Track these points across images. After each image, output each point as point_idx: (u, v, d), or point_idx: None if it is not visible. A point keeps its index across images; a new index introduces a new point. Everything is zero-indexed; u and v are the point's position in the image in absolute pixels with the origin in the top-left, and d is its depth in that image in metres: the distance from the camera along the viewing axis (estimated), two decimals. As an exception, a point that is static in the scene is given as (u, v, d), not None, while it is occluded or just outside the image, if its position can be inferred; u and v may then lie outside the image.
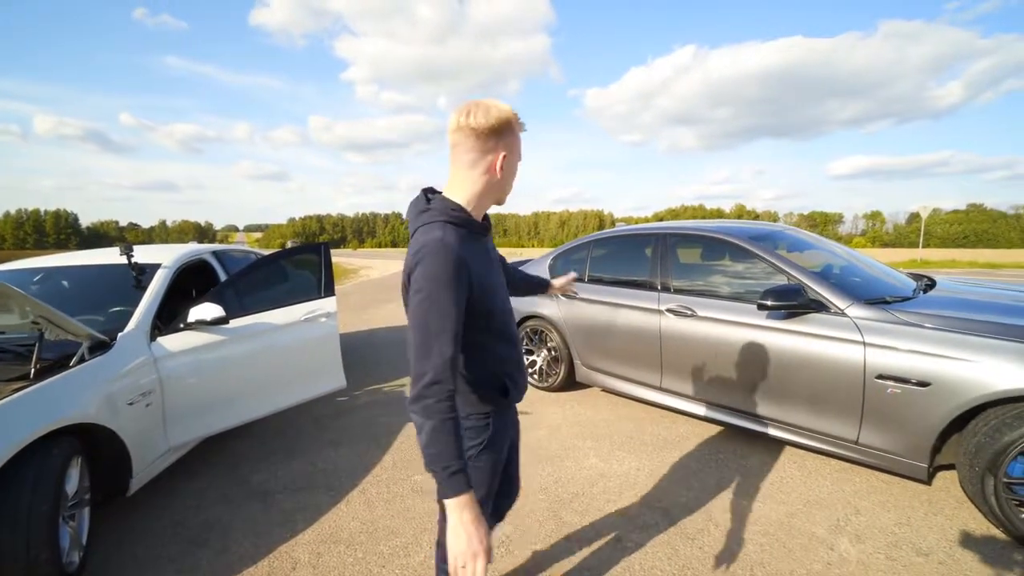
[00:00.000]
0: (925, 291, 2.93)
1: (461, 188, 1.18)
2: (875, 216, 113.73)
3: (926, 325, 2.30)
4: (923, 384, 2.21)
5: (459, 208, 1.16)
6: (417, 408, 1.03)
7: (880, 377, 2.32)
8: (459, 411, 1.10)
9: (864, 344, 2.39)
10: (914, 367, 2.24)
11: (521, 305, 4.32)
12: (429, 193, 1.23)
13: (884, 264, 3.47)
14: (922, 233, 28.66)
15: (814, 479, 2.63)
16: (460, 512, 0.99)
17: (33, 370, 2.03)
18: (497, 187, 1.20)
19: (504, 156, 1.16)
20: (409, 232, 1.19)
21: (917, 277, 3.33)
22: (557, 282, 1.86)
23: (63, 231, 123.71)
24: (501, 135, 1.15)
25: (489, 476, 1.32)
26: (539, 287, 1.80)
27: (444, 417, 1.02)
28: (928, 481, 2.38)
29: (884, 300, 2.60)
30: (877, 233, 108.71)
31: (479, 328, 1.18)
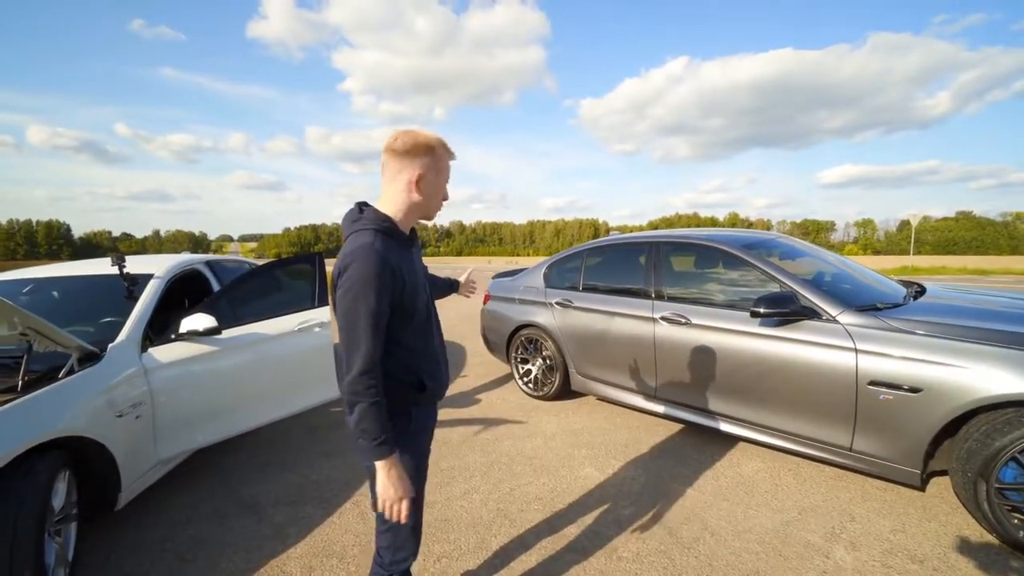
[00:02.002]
0: (915, 298, 2.96)
1: (389, 202, 1.34)
2: (866, 224, 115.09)
3: (917, 331, 2.32)
4: (915, 390, 2.22)
5: (387, 219, 1.31)
6: (350, 393, 1.22)
7: (872, 383, 2.34)
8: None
9: (856, 351, 2.40)
10: (906, 373, 2.25)
11: (516, 314, 4.32)
12: (363, 206, 1.36)
13: (875, 271, 3.51)
14: (912, 240, 29.01)
15: (809, 486, 2.63)
16: (387, 470, 1.25)
17: (21, 382, 2.00)
18: (419, 204, 1.34)
19: (420, 175, 1.30)
20: (343, 239, 1.34)
21: (907, 284, 3.37)
22: (462, 278, 2.09)
23: (55, 241, 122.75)
24: (419, 157, 1.30)
25: (414, 470, 1.42)
26: (450, 288, 2.01)
27: (373, 400, 1.22)
28: (922, 487, 2.39)
29: (875, 307, 2.62)
30: (868, 240, 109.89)
31: (402, 326, 1.33)
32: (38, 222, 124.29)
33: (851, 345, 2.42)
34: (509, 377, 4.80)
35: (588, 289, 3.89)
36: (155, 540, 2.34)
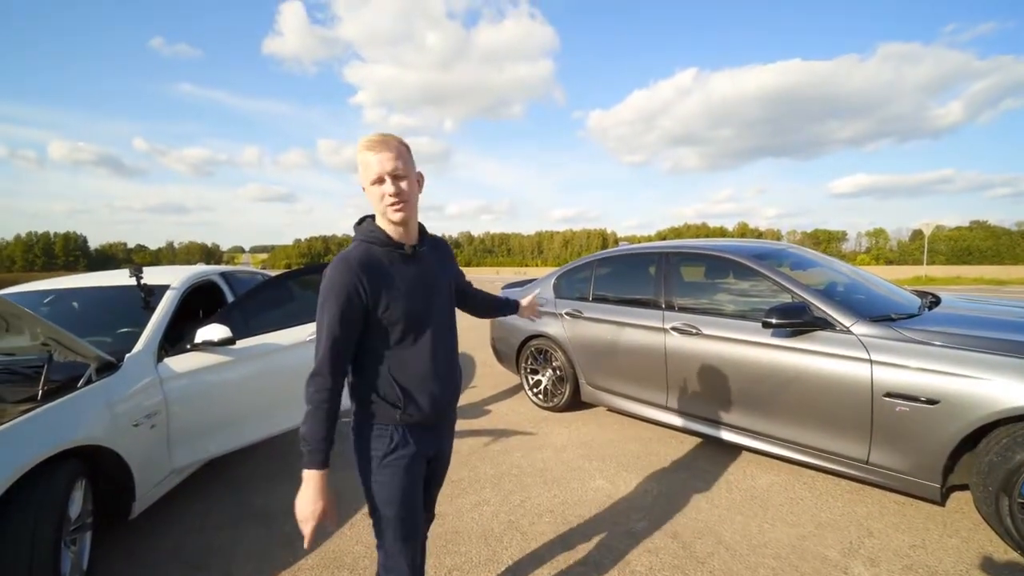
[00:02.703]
0: (930, 308, 2.92)
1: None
2: (878, 233, 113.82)
3: (934, 342, 2.29)
4: (932, 402, 2.18)
5: (376, 229, 1.31)
6: (304, 393, 1.24)
7: (888, 395, 2.30)
8: (363, 416, 1.34)
9: (871, 362, 2.37)
10: (922, 385, 2.22)
11: (526, 325, 4.32)
12: (363, 218, 1.38)
13: (888, 281, 3.47)
14: (926, 250, 28.65)
15: (825, 500, 2.58)
16: (306, 483, 1.22)
17: (41, 391, 2.04)
18: (377, 211, 1.31)
19: (363, 188, 1.29)
20: None
21: (922, 294, 3.33)
22: (524, 301, 1.96)
23: (72, 253, 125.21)
24: (358, 168, 1.28)
25: (395, 492, 1.33)
26: (507, 308, 1.90)
27: (317, 404, 1.22)
28: (942, 502, 2.34)
29: (889, 317, 2.59)
30: (881, 250, 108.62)
31: (383, 339, 1.30)
32: (56, 234, 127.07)
33: (866, 356, 2.39)
34: (519, 388, 4.79)
35: (598, 299, 3.89)
36: (168, 548, 2.36)
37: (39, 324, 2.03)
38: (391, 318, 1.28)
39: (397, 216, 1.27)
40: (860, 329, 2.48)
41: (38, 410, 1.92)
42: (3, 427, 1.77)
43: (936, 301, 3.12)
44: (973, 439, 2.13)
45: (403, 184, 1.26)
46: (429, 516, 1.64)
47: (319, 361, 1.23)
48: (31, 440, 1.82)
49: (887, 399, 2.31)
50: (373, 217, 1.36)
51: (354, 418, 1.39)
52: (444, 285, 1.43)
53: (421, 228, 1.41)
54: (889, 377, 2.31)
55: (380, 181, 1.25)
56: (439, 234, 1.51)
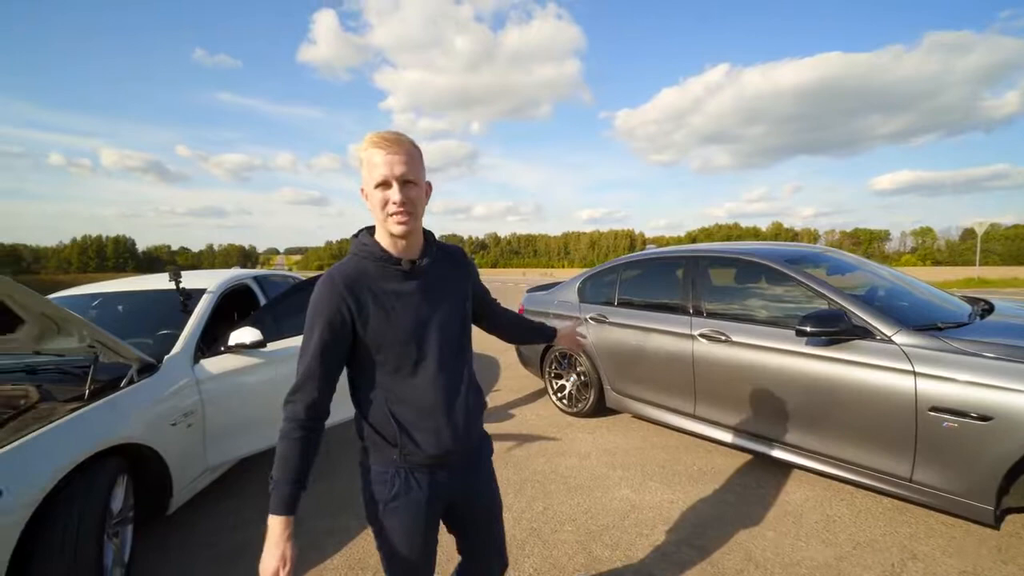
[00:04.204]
0: (982, 316, 2.74)
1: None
2: (925, 232, 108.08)
3: (986, 354, 2.14)
4: (984, 418, 2.04)
5: (371, 243, 1.16)
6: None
7: (934, 409, 2.17)
8: (363, 455, 1.21)
9: (914, 373, 2.24)
10: (973, 399, 2.08)
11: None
12: (362, 231, 1.23)
13: (936, 286, 3.28)
14: (978, 250, 26.97)
15: (864, 519, 2.45)
16: (270, 529, 1.07)
17: (88, 391, 2.15)
18: (376, 219, 1.14)
19: (362, 190, 1.14)
20: None
21: (973, 301, 3.13)
22: (564, 331, 1.69)
23: (121, 255, 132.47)
24: (360, 169, 1.12)
25: (401, 542, 1.18)
26: (541, 335, 1.64)
27: (286, 436, 1.10)
28: (996, 525, 2.18)
29: (936, 326, 2.44)
30: (928, 250, 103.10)
31: (373, 365, 1.15)
32: (107, 237, 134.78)
33: (909, 368, 2.26)
34: (543, 392, 4.76)
35: (623, 304, 3.83)
36: (202, 544, 2.45)
37: (86, 327, 2.15)
38: (382, 343, 1.13)
39: (399, 229, 1.10)
40: (903, 338, 2.35)
41: (85, 409, 2.03)
42: (54, 424, 1.88)
43: (989, 308, 2.92)
44: (1031, 459, 1.98)
45: (411, 192, 1.10)
46: (502, 562, 1.43)
47: (293, 386, 1.11)
48: (78, 438, 1.93)
49: (933, 414, 2.17)
50: (372, 229, 1.20)
51: (359, 455, 1.26)
52: (452, 304, 1.23)
53: (428, 239, 1.23)
54: (935, 390, 2.18)
55: (386, 185, 1.08)
56: (464, 236, 1.36)
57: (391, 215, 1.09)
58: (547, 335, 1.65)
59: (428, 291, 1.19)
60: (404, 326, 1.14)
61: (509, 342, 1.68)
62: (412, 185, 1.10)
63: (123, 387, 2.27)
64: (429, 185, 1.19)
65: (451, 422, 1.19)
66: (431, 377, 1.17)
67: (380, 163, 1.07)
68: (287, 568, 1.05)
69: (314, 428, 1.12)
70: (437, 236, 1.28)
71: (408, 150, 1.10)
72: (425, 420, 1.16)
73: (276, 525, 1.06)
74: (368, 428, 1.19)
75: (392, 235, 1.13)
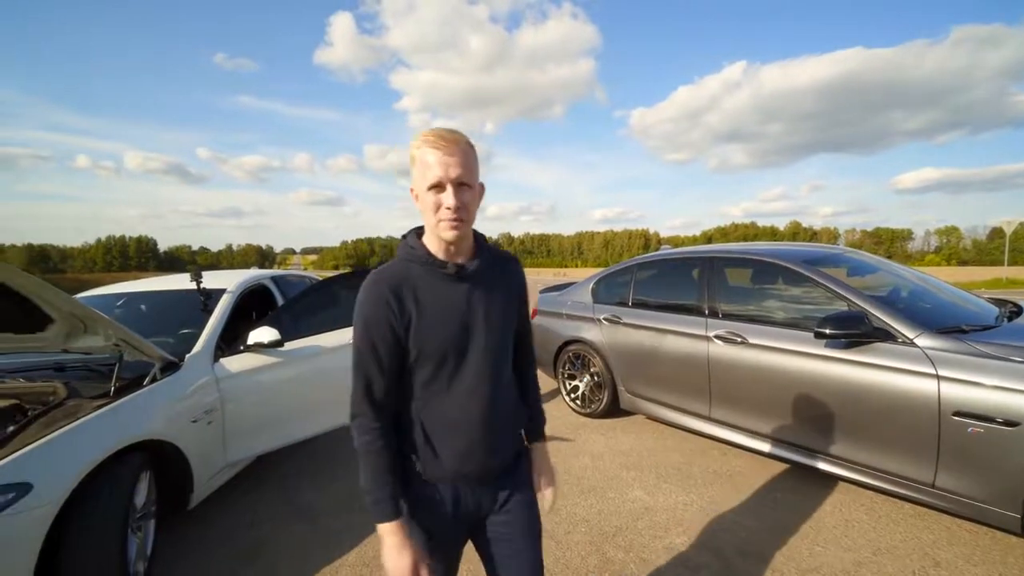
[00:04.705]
0: (1010, 319, 2.66)
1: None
2: (950, 231, 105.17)
3: (1013, 358, 2.08)
4: (1012, 424, 1.98)
5: (418, 247, 1.09)
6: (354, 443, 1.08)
7: (958, 414, 2.11)
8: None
9: (938, 377, 2.19)
10: (1000, 404, 2.02)
11: (564, 330, 4.29)
12: (412, 231, 1.16)
13: (961, 288, 3.19)
14: (1007, 249, 26.13)
15: (885, 525, 2.40)
16: (384, 539, 1.04)
17: (113, 388, 2.22)
18: (426, 221, 1.08)
19: (412, 189, 1.08)
20: None
21: (1000, 302, 3.03)
22: (544, 485, 1.32)
23: (144, 255, 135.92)
24: (411, 167, 1.06)
25: (425, 552, 1.10)
26: (528, 426, 1.33)
27: (366, 449, 1.06)
28: (1023, 533, 2.12)
29: (960, 329, 2.38)
30: (953, 249, 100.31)
31: (414, 370, 1.09)
32: (130, 238, 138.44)
33: (932, 371, 2.21)
34: (556, 392, 4.76)
35: (638, 305, 3.80)
36: (221, 539, 2.50)
37: (111, 326, 2.21)
38: (421, 349, 1.07)
39: (451, 234, 1.03)
40: (925, 341, 2.30)
41: (111, 405, 2.10)
42: (81, 421, 1.94)
43: (1017, 311, 2.83)
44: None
45: (466, 196, 1.03)
46: None
47: (354, 400, 1.07)
48: (105, 434, 1.99)
49: (957, 419, 2.12)
50: (420, 230, 1.14)
51: None
52: (498, 313, 1.14)
53: (479, 242, 1.15)
54: (959, 395, 2.12)
55: (439, 188, 1.01)
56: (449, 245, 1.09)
57: (443, 220, 1.02)
58: (531, 433, 1.34)
59: (474, 297, 1.11)
60: (446, 333, 1.07)
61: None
62: (466, 188, 1.04)
63: (147, 385, 2.33)
64: (482, 186, 1.12)
65: (486, 438, 1.11)
66: (469, 389, 1.10)
67: (434, 164, 1.01)
68: (419, 566, 1.05)
69: (389, 436, 1.08)
70: None
71: (464, 150, 1.03)
72: (452, 435, 1.09)
73: (391, 531, 1.04)
74: (398, 437, 1.13)
75: (444, 240, 1.06)
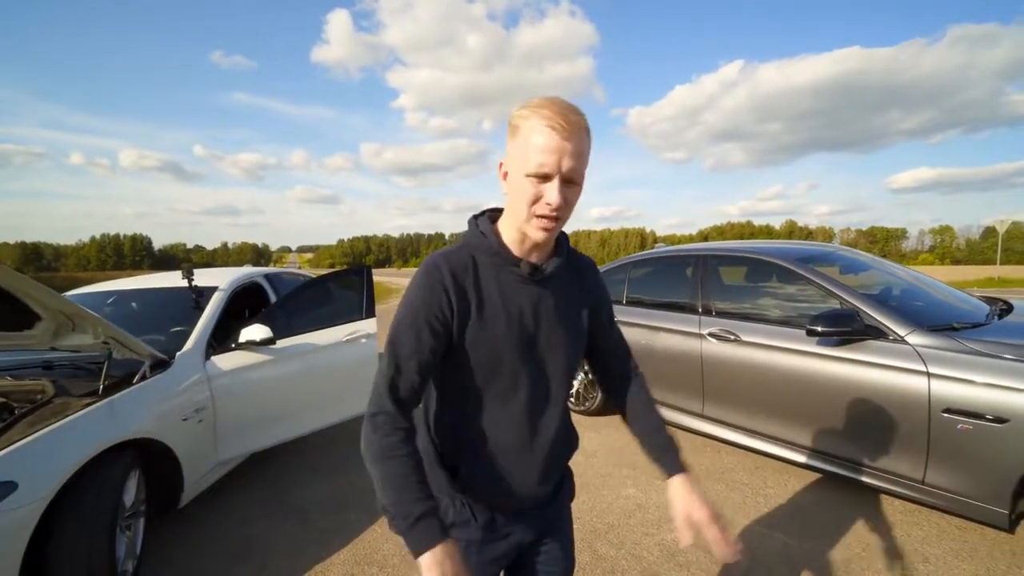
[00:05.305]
0: (1000, 316, 2.67)
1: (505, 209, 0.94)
2: (944, 231, 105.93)
3: (1003, 355, 2.09)
4: (1001, 420, 2.00)
5: (490, 234, 0.93)
6: (363, 451, 0.86)
7: (948, 411, 2.13)
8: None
9: (928, 375, 2.20)
10: (989, 401, 2.03)
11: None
12: (484, 212, 1.01)
13: (953, 286, 3.21)
14: (1000, 248, 26.33)
15: (875, 521, 2.41)
16: (427, 570, 0.77)
17: (102, 386, 2.20)
18: (511, 209, 0.90)
19: (502, 163, 0.90)
20: None
21: (991, 300, 3.05)
22: (695, 516, 1.05)
23: (138, 253, 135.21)
24: (510, 138, 0.88)
25: None
26: (657, 451, 1.12)
27: (389, 454, 0.83)
28: (1011, 529, 2.13)
29: (951, 327, 2.39)
30: (947, 248, 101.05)
31: (456, 375, 0.94)
32: (124, 236, 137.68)
33: (922, 368, 2.22)
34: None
35: (632, 303, 3.81)
36: (211, 538, 2.49)
37: (100, 324, 2.19)
38: (474, 355, 0.91)
39: (543, 235, 0.87)
40: (916, 339, 2.31)
41: (100, 403, 2.07)
42: (68, 419, 1.92)
43: (1008, 309, 2.85)
44: (1048, 463, 1.93)
45: (570, 194, 0.86)
46: None
47: (377, 395, 0.87)
48: (92, 432, 1.97)
49: (946, 416, 2.13)
50: (493, 214, 0.98)
51: None
52: (570, 326, 0.99)
53: (560, 241, 0.98)
54: (949, 392, 2.14)
55: (544, 178, 0.83)
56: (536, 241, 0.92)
57: (539, 217, 0.85)
58: (667, 466, 1.09)
59: (544, 304, 0.95)
60: (506, 341, 0.92)
61: (613, 404, 1.23)
62: (574, 186, 0.87)
63: (136, 383, 2.31)
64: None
65: (532, 467, 0.97)
66: (523, 408, 0.94)
67: (545, 148, 0.81)
68: None
69: (414, 437, 0.90)
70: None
71: (583, 138, 0.84)
72: (503, 459, 0.95)
73: (437, 561, 0.77)
74: (426, 443, 0.99)
75: (527, 236, 0.90)
